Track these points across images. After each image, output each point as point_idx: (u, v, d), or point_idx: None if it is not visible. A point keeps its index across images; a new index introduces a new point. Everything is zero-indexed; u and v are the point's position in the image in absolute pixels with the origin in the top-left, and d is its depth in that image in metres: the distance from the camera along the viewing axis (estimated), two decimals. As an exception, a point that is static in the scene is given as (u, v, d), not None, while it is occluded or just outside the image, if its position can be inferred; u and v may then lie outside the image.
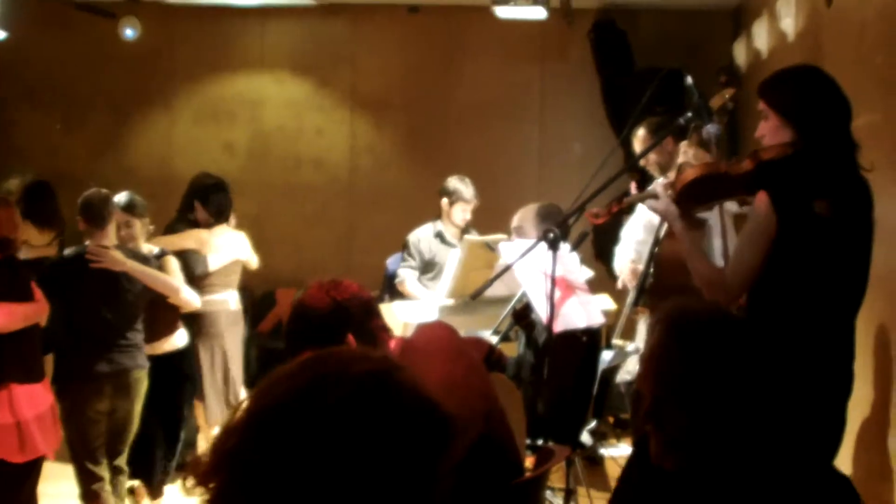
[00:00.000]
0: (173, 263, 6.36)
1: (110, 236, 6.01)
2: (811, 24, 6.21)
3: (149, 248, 6.45)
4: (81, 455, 5.97)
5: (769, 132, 3.90)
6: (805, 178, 3.77)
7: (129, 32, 10.13)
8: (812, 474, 2.50)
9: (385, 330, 3.48)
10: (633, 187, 6.34)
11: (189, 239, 7.16)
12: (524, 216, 6.01)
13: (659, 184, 4.54)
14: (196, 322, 7.12)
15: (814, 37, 6.09)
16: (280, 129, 11.01)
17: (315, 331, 3.31)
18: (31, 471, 5.44)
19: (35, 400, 5.39)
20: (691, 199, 4.24)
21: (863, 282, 3.85)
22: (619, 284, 6.29)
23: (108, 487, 6.04)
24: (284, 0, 10.21)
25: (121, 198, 6.35)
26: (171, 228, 7.41)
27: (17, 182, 9.18)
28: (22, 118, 11.12)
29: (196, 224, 7.33)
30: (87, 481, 5.98)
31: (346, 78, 10.86)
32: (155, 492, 6.75)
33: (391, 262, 7.98)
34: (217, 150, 10.93)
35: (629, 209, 6.17)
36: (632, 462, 2.77)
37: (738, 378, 2.41)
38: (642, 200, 4.61)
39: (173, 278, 6.27)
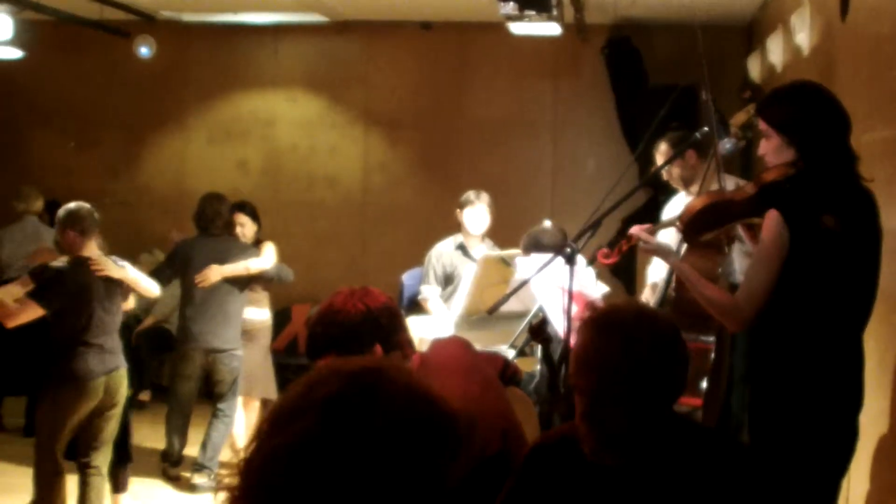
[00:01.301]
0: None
1: (94, 247, 6.23)
2: (825, 38, 6.20)
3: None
4: (46, 454, 6.12)
5: (771, 151, 3.90)
6: (810, 194, 3.76)
7: (144, 51, 10.17)
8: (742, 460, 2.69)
9: (410, 345, 3.44)
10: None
11: (273, 252, 7.74)
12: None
13: (636, 229, 4.58)
14: (261, 329, 7.84)
15: (828, 52, 6.08)
16: (293, 148, 11.03)
17: (343, 336, 3.26)
18: None
19: None
20: (699, 227, 4.28)
21: (871, 292, 3.85)
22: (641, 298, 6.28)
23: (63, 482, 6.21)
24: (298, 18, 10.24)
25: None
26: (188, 245, 7.64)
27: (41, 202, 9.26)
28: (37, 138, 11.17)
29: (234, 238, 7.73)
30: (46, 480, 6.12)
31: (359, 96, 10.89)
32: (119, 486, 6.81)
33: (407, 277, 7.97)
34: (231, 169, 10.96)
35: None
36: (540, 462, 2.81)
37: (666, 372, 2.58)
38: (638, 240, 4.64)
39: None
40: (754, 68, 8.80)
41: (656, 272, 6.28)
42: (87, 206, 6.26)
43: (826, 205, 3.73)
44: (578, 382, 2.60)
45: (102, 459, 6.30)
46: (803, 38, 6.71)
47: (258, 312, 7.83)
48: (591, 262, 5.34)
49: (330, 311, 3.33)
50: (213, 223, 7.57)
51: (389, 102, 10.83)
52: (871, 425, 4.17)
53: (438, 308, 7.33)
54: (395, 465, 1.57)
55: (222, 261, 7.38)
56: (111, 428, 6.29)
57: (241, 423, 7.72)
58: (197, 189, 10.21)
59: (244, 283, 7.50)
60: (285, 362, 10.02)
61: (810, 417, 3.72)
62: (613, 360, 2.55)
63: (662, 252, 4.41)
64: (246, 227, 7.80)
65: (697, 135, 4.55)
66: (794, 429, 3.72)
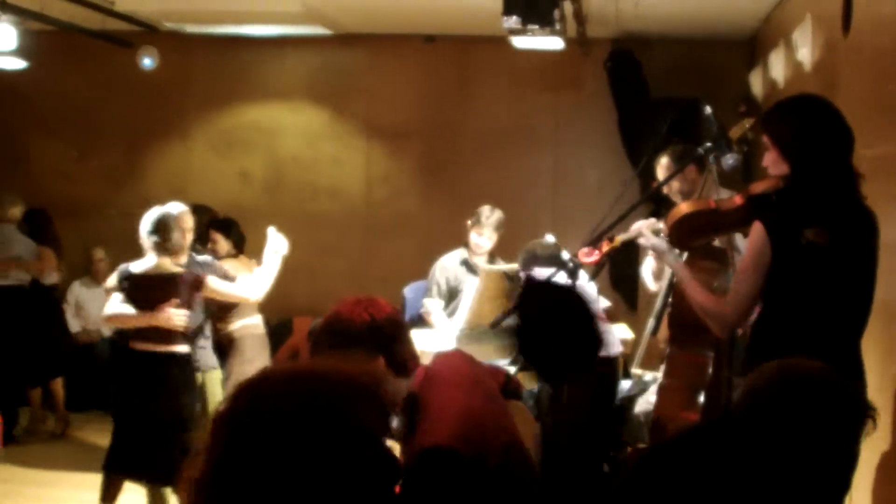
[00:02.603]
0: None
1: None
2: (827, 53, 6.21)
3: None
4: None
5: (771, 163, 3.94)
6: (795, 208, 3.79)
7: (147, 62, 10.17)
8: None
9: (414, 357, 3.44)
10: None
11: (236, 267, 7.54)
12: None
13: (642, 224, 4.59)
14: (234, 343, 7.55)
15: (830, 66, 6.09)
16: (296, 158, 11.04)
17: (346, 345, 3.26)
18: None
19: None
20: (683, 234, 4.31)
21: (864, 306, 3.86)
22: (648, 282, 6.21)
23: None
24: (301, 30, 10.25)
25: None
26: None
27: (20, 209, 9.21)
28: (39, 147, 11.17)
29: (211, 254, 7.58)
30: None
31: (362, 107, 10.90)
32: None
33: (409, 290, 7.97)
34: (233, 179, 10.97)
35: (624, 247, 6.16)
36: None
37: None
38: (631, 240, 4.65)
39: None
40: (756, 83, 8.82)
41: (649, 268, 6.29)
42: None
43: (812, 219, 3.76)
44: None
45: None
46: (805, 52, 6.72)
47: (242, 322, 7.72)
48: (594, 276, 5.34)
49: (335, 319, 3.32)
50: None
51: (392, 114, 10.84)
52: (872, 441, 4.17)
53: (441, 321, 7.33)
54: (305, 453, 1.61)
55: None
56: None
57: None
58: (199, 199, 10.16)
59: None
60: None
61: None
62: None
63: (659, 250, 4.43)
64: (218, 244, 7.83)
65: (700, 150, 4.56)
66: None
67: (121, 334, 6.51)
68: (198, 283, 6.28)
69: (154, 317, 6.09)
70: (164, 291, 6.17)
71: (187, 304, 6.18)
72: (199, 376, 6.45)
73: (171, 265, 6.27)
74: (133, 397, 6.15)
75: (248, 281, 6.63)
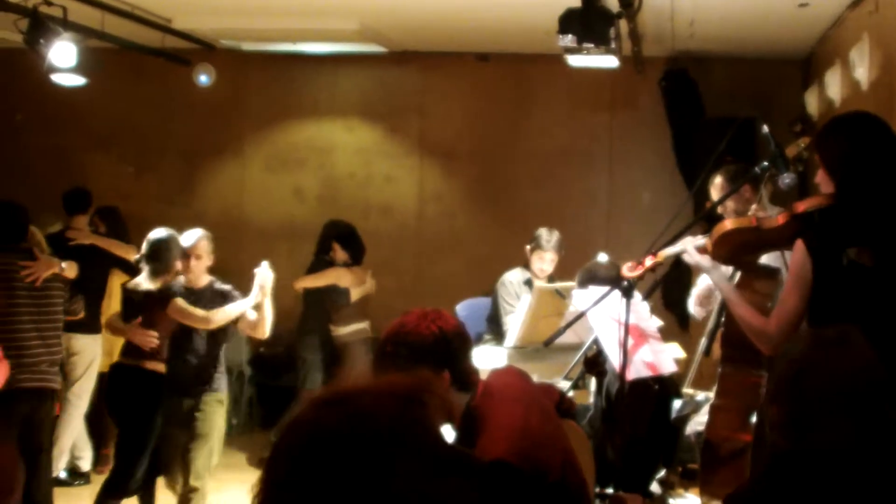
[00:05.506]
0: None
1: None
2: (885, 73, 6.17)
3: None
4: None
5: (821, 181, 3.93)
6: (838, 226, 3.78)
7: (203, 79, 10.28)
8: None
9: (476, 372, 3.44)
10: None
11: (329, 276, 8.33)
12: None
13: (688, 240, 4.58)
14: (344, 348, 8.35)
15: (888, 85, 6.05)
16: (349, 176, 11.09)
17: (411, 358, 3.22)
18: None
19: None
20: (726, 250, 4.31)
21: None
22: (692, 310, 6.21)
23: None
24: (355, 48, 10.31)
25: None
26: (312, 268, 8.53)
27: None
28: (96, 163, 11.29)
29: (331, 263, 8.48)
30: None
31: (416, 125, 10.94)
32: None
33: (461, 308, 7.97)
34: (287, 196, 11.04)
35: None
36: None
37: None
38: (677, 255, 4.64)
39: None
40: (812, 102, 8.77)
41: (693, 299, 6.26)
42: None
43: (854, 238, 3.73)
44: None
45: None
46: (862, 72, 6.68)
47: (349, 327, 8.49)
48: (647, 296, 5.32)
49: (401, 330, 3.28)
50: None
51: (446, 132, 10.87)
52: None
53: None
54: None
55: None
56: None
57: None
58: (253, 216, 10.30)
59: None
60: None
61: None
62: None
63: (704, 267, 4.44)
64: (337, 254, 8.53)
65: (757, 169, 4.55)
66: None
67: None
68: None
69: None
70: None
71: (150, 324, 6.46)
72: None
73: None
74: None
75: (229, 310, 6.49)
